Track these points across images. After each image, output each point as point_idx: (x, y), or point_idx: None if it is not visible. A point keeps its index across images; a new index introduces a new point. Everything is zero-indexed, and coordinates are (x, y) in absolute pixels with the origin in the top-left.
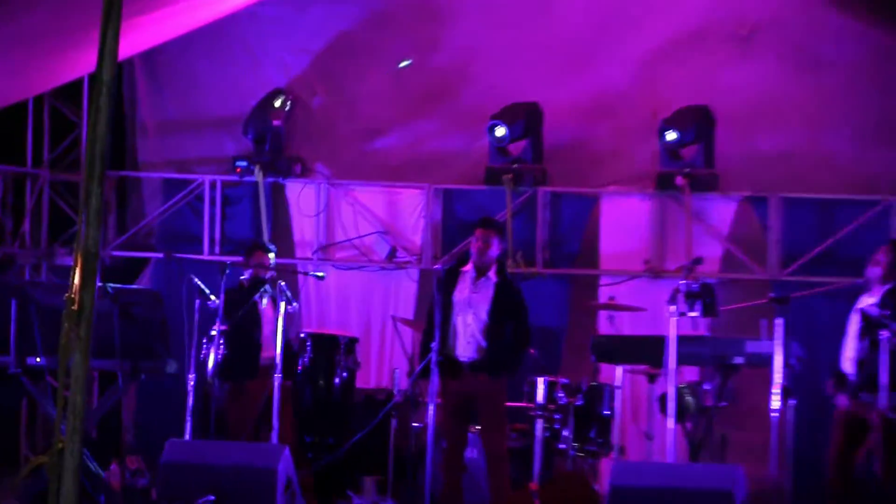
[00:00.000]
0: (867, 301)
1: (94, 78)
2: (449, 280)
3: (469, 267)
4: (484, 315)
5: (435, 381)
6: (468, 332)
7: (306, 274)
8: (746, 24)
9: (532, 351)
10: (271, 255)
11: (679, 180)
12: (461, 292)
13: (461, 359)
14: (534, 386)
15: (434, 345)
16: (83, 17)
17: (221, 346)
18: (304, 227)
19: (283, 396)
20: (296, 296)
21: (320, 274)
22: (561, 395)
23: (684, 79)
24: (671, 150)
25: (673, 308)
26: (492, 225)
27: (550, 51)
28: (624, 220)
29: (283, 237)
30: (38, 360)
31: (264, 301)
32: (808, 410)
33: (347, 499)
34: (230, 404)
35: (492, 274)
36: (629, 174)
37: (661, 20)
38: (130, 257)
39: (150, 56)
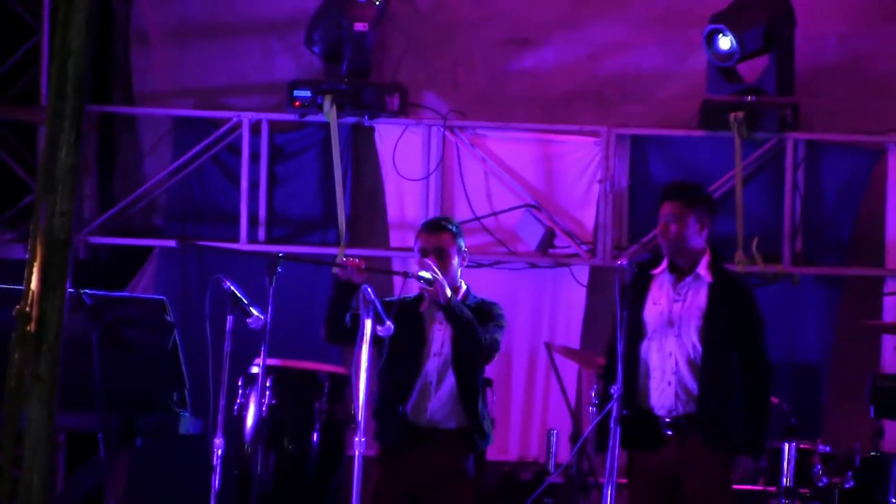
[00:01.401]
0: None
1: None
2: (638, 286)
3: (663, 266)
4: (694, 337)
5: (615, 449)
6: (667, 367)
7: (407, 276)
8: None
9: (774, 400)
10: None
11: None
12: (655, 304)
13: (657, 412)
14: (776, 457)
15: (615, 390)
16: None
17: (268, 393)
18: (405, 198)
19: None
20: (389, 310)
21: (426, 275)
22: (820, 472)
23: None
24: None
25: None
26: (681, 193)
27: None
28: None
29: (371, 213)
30: None
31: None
32: None
33: None
34: (378, 488)
35: (702, 271)
36: None
37: None
38: (120, 246)
39: None
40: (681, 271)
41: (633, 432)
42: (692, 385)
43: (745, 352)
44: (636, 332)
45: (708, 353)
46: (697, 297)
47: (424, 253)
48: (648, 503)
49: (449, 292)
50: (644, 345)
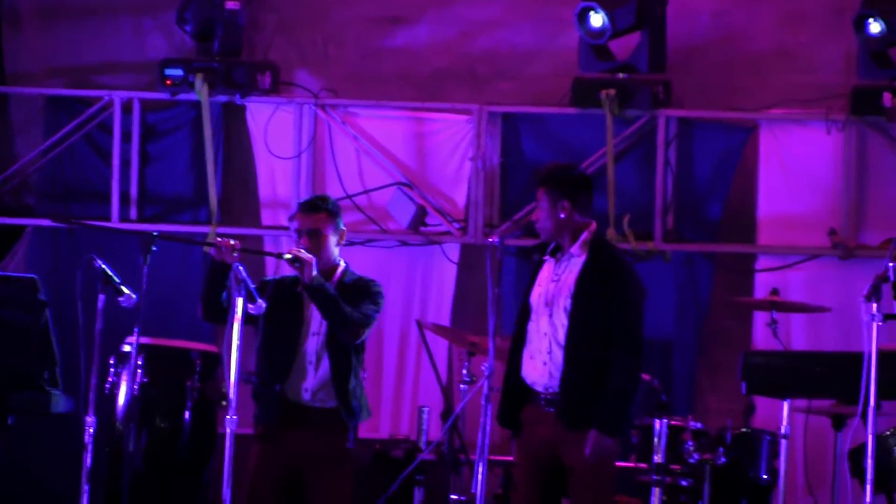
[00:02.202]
0: None
1: None
2: (534, 268)
3: (551, 248)
4: (563, 317)
5: (486, 426)
6: (542, 347)
7: (280, 257)
8: None
9: (645, 376)
10: None
11: (887, 100)
12: (538, 285)
13: (537, 389)
14: (647, 434)
15: (487, 367)
16: None
17: (139, 371)
18: (277, 177)
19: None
20: (264, 289)
21: (288, 256)
22: (692, 448)
23: None
24: (875, 50)
25: (874, 308)
26: (549, 175)
27: None
28: (796, 165)
29: (242, 192)
30: None
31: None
32: None
33: None
34: (257, 466)
35: (575, 250)
36: (806, 90)
37: None
38: None
39: None
40: (564, 252)
41: (518, 409)
42: (559, 364)
43: (611, 329)
44: (525, 312)
45: (573, 332)
46: (570, 276)
47: (300, 233)
48: (533, 478)
49: (314, 272)
50: (529, 325)
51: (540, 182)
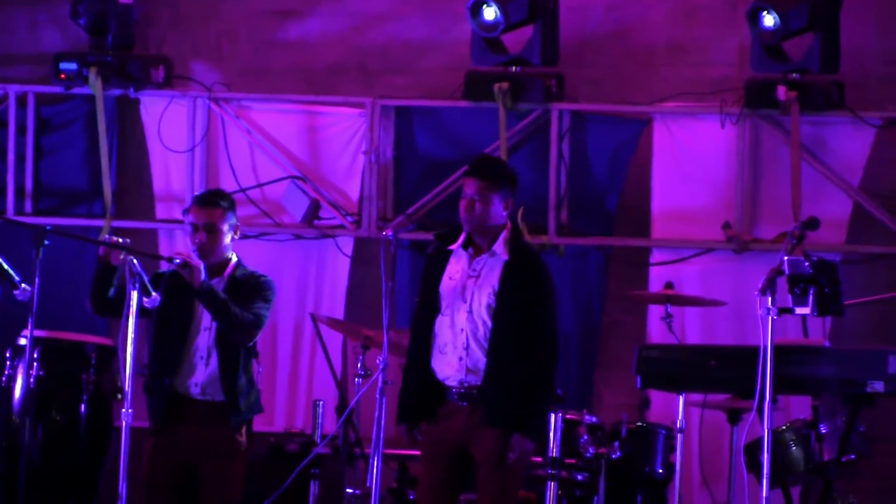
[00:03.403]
0: None
1: None
2: (436, 260)
3: (460, 241)
4: (485, 315)
5: (381, 420)
6: (458, 343)
7: (170, 261)
8: None
9: None
10: None
11: (782, 93)
12: (450, 279)
13: (449, 383)
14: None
15: (381, 360)
16: None
17: (35, 364)
18: (171, 170)
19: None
20: (158, 282)
21: (177, 260)
22: (587, 442)
23: None
24: (769, 44)
25: (769, 301)
26: (488, 171)
27: None
28: (690, 158)
29: (137, 185)
30: None
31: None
32: None
33: None
34: (150, 460)
35: (499, 248)
36: (700, 83)
37: None
38: None
39: None
40: (478, 247)
41: (424, 403)
42: (481, 361)
43: (531, 330)
44: (431, 306)
45: (497, 331)
46: (492, 274)
47: (195, 228)
48: (438, 471)
49: (203, 276)
50: (438, 319)
51: (488, 175)
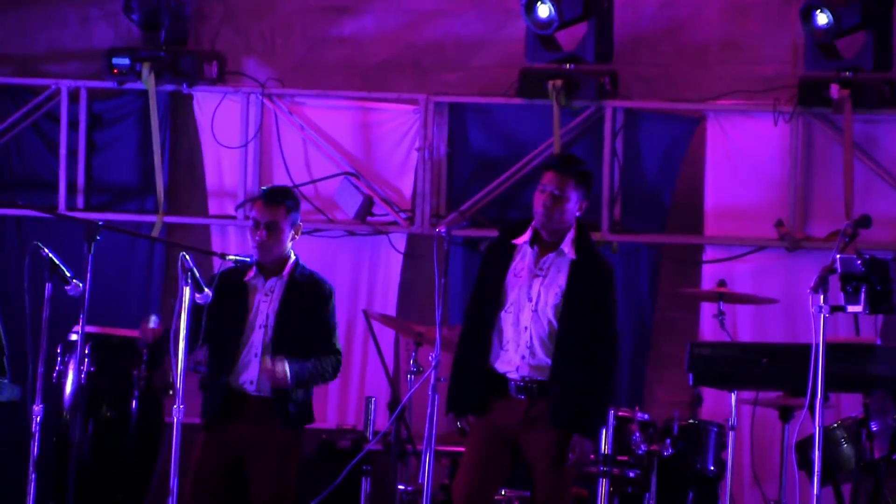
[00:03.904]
0: None
1: None
2: (495, 257)
3: (526, 237)
4: (551, 315)
5: (433, 417)
6: (522, 341)
7: (224, 257)
8: None
9: None
10: None
11: (835, 91)
12: (516, 276)
13: (508, 375)
14: None
15: (434, 356)
16: None
17: (86, 360)
18: (223, 166)
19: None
20: (209, 280)
21: (230, 258)
22: (639, 439)
23: None
24: (822, 42)
25: (821, 299)
26: (571, 167)
27: None
28: (743, 156)
29: (189, 181)
30: None
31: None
32: None
33: None
34: (201, 454)
35: (567, 248)
36: (753, 81)
37: None
38: None
39: None
40: (544, 244)
41: (476, 396)
42: (545, 360)
43: (595, 332)
44: (495, 300)
45: (564, 332)
46: (559, 274)
47: (257, 224)
48: (484, 458)
49: (289, 380)
50: (501, 315)
51: (570, 171)
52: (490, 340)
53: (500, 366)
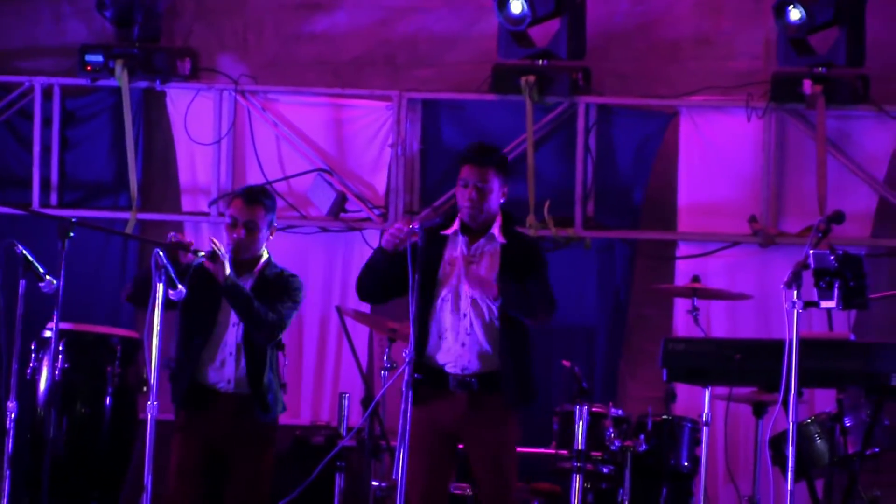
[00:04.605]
0: None
1: None
2: (432, 247)
3: (455, 227)
4: (489, 298)
5: (407, 412)
6: (461, 328)
7: (196, 253)
8: None
9: (566, 363)
10: None
11: (807, 87)
12: (449, 265)
13: (449, 370)
14: (568, 421)
15: (407, 352)
16: None
17: (61, 357)
18: (196, 163)
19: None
20: (182, 275)
21: (202, 254)
22: (612, 435)
23: None
24: (795, 37)
25: (794, 295)
26: (489, 157)
27: None
28: (716, 152)
29: (163, 178)
30: None
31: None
32: None
33: None
34: (179, 450)
35: (496, 232)
36: (726, 76)
37: None
38: None
39: None
40: (473, 233)
41: (423, 390)
42: (486, 346)
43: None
44: (430, 292)
45: (504, 313)
46: (493, 259)
47: (235, 222)
48: (429, 462)
49: (228, 271)
50: (438, 305)
51: (490, 163)
52: (428, 333)
53: (441, 358)
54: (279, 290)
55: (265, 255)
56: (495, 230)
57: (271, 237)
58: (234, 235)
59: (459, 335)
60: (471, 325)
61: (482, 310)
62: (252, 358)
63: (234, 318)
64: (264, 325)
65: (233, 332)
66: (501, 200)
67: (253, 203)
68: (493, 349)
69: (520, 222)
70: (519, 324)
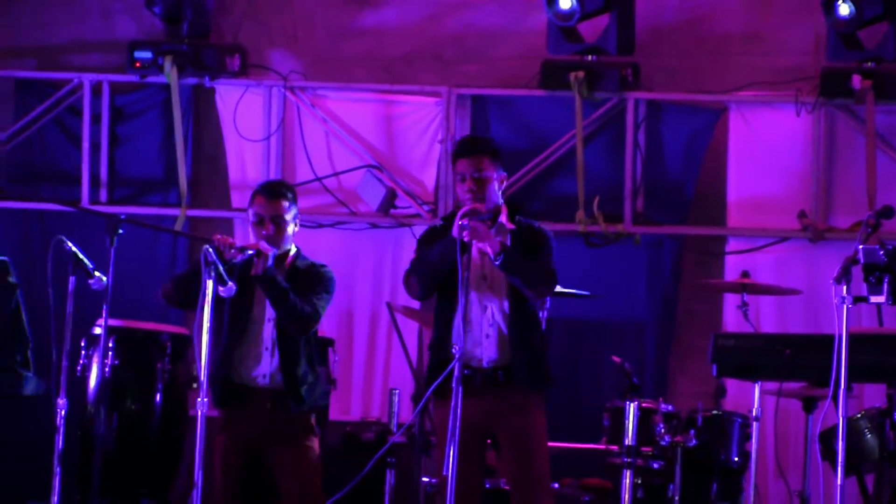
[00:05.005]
0: None
1: None
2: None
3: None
4: (504, 287)
5: (457, 409)
6: (485, 320)
7: (241, 250)
8: None
9: (616, 359)
10: None
11: (857, 82)
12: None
13: (476, 364)
14: (619, 417)
15: (456, 349)
16: None
17: (110, 353)
18: (246, 159)
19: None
20: (231, 271)
21: (251, 252)
22: (663, 430)
23: None
24: (844, 32)
25: (844, 290)
26: (480, 146)
27: None
28: (766, 147)
29: (212, 174)
30: None
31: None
32: None
33: None
34: (222, 449)
35: (504, 220)
36: (775, 72)
37: None
38: None
39: None
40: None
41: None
42: (506, 336)
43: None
44: (455, 290)
45: (515, 300)
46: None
47: (261, 219)
48: (466, 455)
49: (270, 262)
50: (461, 300)
51: (483, 152)
52: (450, 327)
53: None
54: (312, 282)
55: (293, 249)
56: (503, 219)
57: (296, 228)
58: (264, 232)
59: (483, 328)
60: (492, 315)
61: (501, 298)
62: (285, 351)
63: (269, 313)
64: (300, 316)
65: (268, 327)
66: (501, 188)
67: (276, 197)
68: (511, 339)
69: (528, 211)
70: (529, 310)
